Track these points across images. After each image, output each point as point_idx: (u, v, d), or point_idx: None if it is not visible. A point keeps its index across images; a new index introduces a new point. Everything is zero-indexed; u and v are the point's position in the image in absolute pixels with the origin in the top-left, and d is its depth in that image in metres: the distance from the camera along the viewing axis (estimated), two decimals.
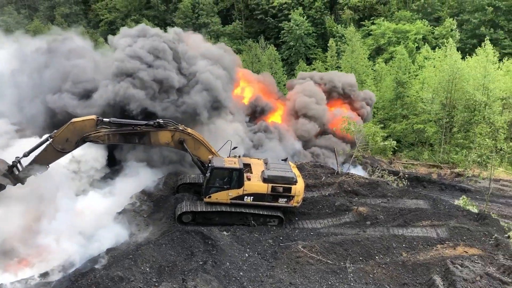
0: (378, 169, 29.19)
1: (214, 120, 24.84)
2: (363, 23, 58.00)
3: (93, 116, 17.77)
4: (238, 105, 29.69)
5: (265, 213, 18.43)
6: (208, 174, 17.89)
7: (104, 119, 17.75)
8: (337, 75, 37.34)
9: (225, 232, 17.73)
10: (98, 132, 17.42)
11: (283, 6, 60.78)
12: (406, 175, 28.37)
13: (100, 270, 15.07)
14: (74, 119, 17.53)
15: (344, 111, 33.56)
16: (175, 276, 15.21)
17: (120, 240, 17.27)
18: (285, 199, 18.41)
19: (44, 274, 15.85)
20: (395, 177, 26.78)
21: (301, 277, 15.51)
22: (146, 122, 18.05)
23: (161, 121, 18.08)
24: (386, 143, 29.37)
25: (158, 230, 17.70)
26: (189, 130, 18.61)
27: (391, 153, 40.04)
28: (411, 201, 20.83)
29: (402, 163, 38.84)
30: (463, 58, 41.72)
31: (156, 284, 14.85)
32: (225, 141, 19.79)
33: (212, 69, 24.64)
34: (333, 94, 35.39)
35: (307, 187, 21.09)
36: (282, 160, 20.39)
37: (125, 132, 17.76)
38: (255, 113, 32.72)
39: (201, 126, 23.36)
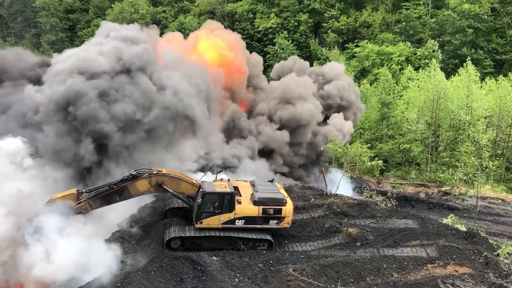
0: (367, 189, 29.28)
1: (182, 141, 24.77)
2: (347, 45, 59.08)
3: (73, 190, 17.89)
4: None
5: (255, 236, 18.28)
6: (199, 200, 17.74)
7: (84, 190, 17.94)
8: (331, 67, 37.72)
9: (214, 257, 17.51)
10: (79, 203, 17.39)
11: (268, 30, 61.70)
12: (395, 195, 28.51)
13: None
14: (54, 196, 17.53)
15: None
16: None
17: (108, 268, 16.91)
18: (276, 221, 18.33)
19: None
20: (384, 197, 26.88)
21: None
22: (120, 178, 18.01)
23: (133, 172, 18.06)
24: (373, 163, 29.55)
25: (147, 256, 17.41)
26: (164, 170, 18.42)
27: (379, 173, 40.32)
28: (400, 221, 20.86)
29: (390, 183, 39.09)
30: (446, 78, 42.58)
31: None
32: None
33: (181, 85, 24.31)
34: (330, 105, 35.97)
35: (296, 209, 21.03)
36: (269, 181, 20.37)
37: (104, 194, 17.72)
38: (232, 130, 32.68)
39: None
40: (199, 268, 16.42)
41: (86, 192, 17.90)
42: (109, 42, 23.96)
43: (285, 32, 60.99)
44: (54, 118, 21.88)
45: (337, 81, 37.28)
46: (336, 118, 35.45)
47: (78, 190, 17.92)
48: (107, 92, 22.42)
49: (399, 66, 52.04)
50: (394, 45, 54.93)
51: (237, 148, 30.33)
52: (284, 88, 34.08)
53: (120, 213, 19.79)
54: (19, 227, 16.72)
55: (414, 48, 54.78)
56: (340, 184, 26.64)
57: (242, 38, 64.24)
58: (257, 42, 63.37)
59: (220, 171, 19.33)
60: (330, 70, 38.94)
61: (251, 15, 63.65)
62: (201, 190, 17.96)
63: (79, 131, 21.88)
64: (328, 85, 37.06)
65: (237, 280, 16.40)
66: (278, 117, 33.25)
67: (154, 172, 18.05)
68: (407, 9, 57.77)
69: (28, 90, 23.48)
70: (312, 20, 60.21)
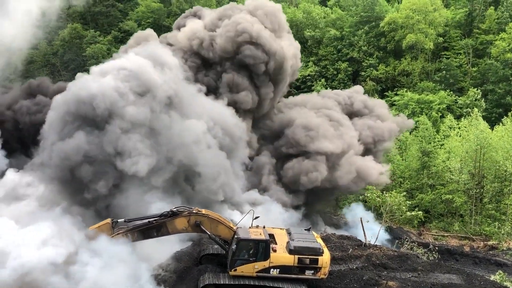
0: (407, 241, 28.23)
1: None
2: (386, 93, 58.86)
3: (108, 220, 18.30)
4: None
5: (290, 287, 17.78)
6: (233, 247, 17.61)
7: (119, 220, 18.33)
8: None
9: None
10: (118, 234, 17.75)
11: (307, 78, 62.52)
12: (437, 247, 27.32)
13: None
14: (90, 228, 18.11)
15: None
16: None
17: None
18: (312, 271, 17.85)
19: None
20: (425, 250, 25.78)
21: None
22: (161, 213, 18.26)
23: (174, 209, 18.30)
24: (413, 213, 28.61)
25: None
26: (203, 211, 18.63)
27: (419, 224, 38.87)
28: (443, 276, 19.89)
29: (432, 235, 37.50)
30: (490, 127, 41.43)
31: None
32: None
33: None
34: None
35: (334, 260, 20.46)
36: (305, 229, 19.99)
37: (142, 228, 18.03)
38: None
39: None
40: None
41: (120, 222, 18.12)
42: None
43: (323, 79, 61.59)
44: None
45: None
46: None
47: (112, 220, 18.16)
48: None
49: (439, 114, 51.11)
50: (434, 94, 54.28)
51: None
52: None
53: (156, 255, 19.83)
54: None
55: (456, 96, 53.92)
56: (379, 235, 25.88)
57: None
58: (295, 89, 64.20)
59: (256, 218, 19.19)
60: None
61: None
62: (236, 236, 17.84)
63: None
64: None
65: None
66: None
67: (194, 211, 18.14)
68: (447, 58, 57.37)
69: None
70: (351, 68, 60.76)
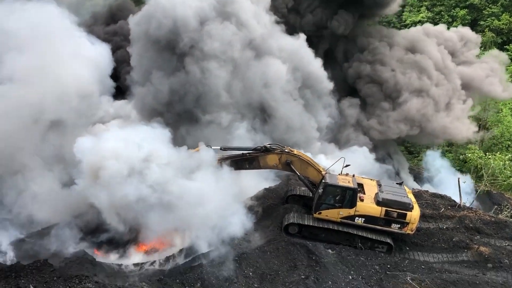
0: (508, 208, 26.32)
1: None
2: (507, 47, 53.09)
3: (203, 144, 18.93)
4: None
5: (375, 237, 17.71)
6: (320, 190, 17.76)
7: (213, 147, 18.84)
8: None
9: (330, 250, 17.43)
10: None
11: (417, 24, 58.17)
12: None
13: (206, 267, 15.74)
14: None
15: None
16: (276, 285, 15.35)
17: (228, 240, 17.77)
18: (399, 225, 17.53)
19: (159, 262, 17.11)
20: None
21: None
22: (254, 147, 18.71)
23: (267, 145, 18.62)
24: None
25: (265, 237, 17.99)
26: (295, 151, 18.77)
27: None
28: None
29: None
30: None
31: None
32: None
33: None
34: None
35: (423, 217, 19.80)
36: (397, 183, 19.43)
37: (236, 159, 18.66)
38: None
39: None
40: (313, 258, 16.50)
41: (220, 149, 18.84)
42: None
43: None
44: None
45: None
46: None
47: (207, 145, 18.86)
48: None
49: None
50: None
51: None
52: None
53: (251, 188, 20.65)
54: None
55: None
56: (475, 198, 24.40)
57: None
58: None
59: (346, 166, 18.99)
60: None
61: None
62: (323, 181, 17.89)
63: None
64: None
65: (350, 277, 16.13)
66: None
67: (286, 150, 18.48)
68: None
69: None
70: (469, 16, 55.20)
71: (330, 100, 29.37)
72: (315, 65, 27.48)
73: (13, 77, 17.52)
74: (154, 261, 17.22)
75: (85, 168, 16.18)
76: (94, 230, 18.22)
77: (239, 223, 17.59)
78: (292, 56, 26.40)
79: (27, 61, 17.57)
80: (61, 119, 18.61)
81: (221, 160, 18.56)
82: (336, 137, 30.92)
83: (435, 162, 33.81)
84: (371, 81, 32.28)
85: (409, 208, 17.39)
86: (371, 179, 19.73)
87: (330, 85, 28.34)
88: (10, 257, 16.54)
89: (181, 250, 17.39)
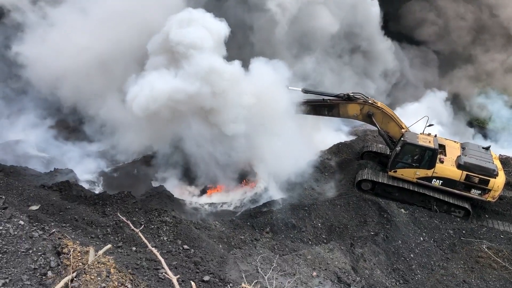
0: None
1: None
2: None
3: None
4: None
5: (452, 201, 17.02)
6: (398, 148, 17.19)
7: (295, 88, 17.85)
8: None
9: (403, 210, 17.07)
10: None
11: None
12: None
13: (276, 213, 16.15)
14: None
15: None
16: (344, 238, 15.43)
17: (298, 189, 17.97)
18: (479, 191, 16.65)
19: (230, 204, 17.85)
20: None
21: (478, 279, 14.15)
22: (336, 94, 18.00)
23: (350, 93, 17.81)
24: None
25: (336, 190, 17.98)
26: (379, 103, 17.89)
27: None
28: None
29: None
30: None
31: (325, 241, 15.32)
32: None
33: None
34: None
35: (508, 185, 18.63)
36: (483, 148, 18.25)
37: (315, 104, 18.12)
38: None
39: None
40: (385, 216, 16.29)
41: (302, 91, 17.96)
42: None
43: None
44: None
45: None
46: None
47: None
48: None
49: None
50: None
51: None
52: None
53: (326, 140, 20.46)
54: None
55: None
56: None
57: None
58: None
59: (430, 125, 18.06)
60: None
61: None
62: (402, 138, 17.24)
63: None
64: None
65: (421, 238, 15.80)
66: None
67: (370, 101, 17.86)
68: None
69: None
70: None
71: None
72: None
73: None
74: (226, 203, 17.97)
75: None
76: (174, 166, 19.10)
77: (312, 173, 17.66)
78: None
79: None
80: None
81: (300, 104, 18.03)
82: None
83: (500, 111, 28.80)
84: None
85: (493, 174, 16.39)
86: (455, 142, 18.73)
87: None
88: (98, 186, 18.04)
89: (254, 194, 17.93)
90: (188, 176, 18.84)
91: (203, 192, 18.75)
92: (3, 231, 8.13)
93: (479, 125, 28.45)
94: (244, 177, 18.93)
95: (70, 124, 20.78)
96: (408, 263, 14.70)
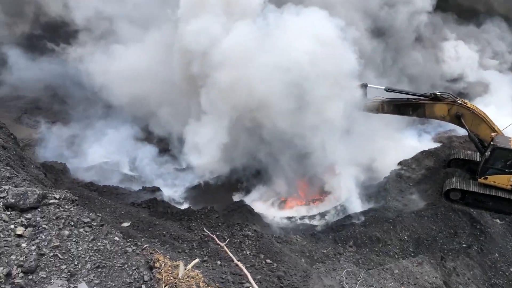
0: None
1: None
2: None
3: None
4: None
5: None
6: (488, 153, 16.02)
7: (370, 86, 17.32)
8: None
9: (498, 220, 15.88)
10: (374, 101, 17.39)
11: None
12: None
13: (359, 226, 15.74)
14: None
15: None
16: (433, 251, 14.65)
17: (381, 201, 17.44)
18: None
19: (311, 217, 17.69)
20: None
21: None
22: (422, 93, 17.14)
23: (438, 93, 16.85)
24: None
25: (422, 201, 17.16)
26: (469, 104, 16.75)
27: None
28: None
29: None
30: None
31: (413, 254, 14.65)
32: None
33: None
34: None
35: None
36: None
37: (399, 103, 17.34)
38: None
39: None
40: (478, 227, 15.25)
41: (385, 89, 17.30)
42: None
43: None
44: None
45: None
46: None
47: (363, 83, 17.43)
48: None
49: None
50: None
51: None
52: None
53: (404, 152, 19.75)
54: None
55: None
56: None
57: None
58: None
59: None
60: None
61: None
62: (492, 143, 16.03)
63: None
64: None
65: None
66: None
67: (459, 101, 16.80)
68: None
69: None
70: None
71: None
72: None
73: None
74: (306, 216, 17.84)
75: None
76: (253, 180, 19.36)
77: (395, 183, 17.05)
78: None
79: None
80: None
81: (384, 103, 17.40)
82: None
83: None
84: None
85: None
86: None
87: None
88: (183, 202, 18.77)
89: (333, 208, 17.65)
90: (267, 189, 19.01)
91: (283, 205, 18.80)
92: (101, 247, 8.70)
93: None
94: (324, 189, 18.73)
95: (154, 142, 21.93)
96: (507, 277, 13.60)
